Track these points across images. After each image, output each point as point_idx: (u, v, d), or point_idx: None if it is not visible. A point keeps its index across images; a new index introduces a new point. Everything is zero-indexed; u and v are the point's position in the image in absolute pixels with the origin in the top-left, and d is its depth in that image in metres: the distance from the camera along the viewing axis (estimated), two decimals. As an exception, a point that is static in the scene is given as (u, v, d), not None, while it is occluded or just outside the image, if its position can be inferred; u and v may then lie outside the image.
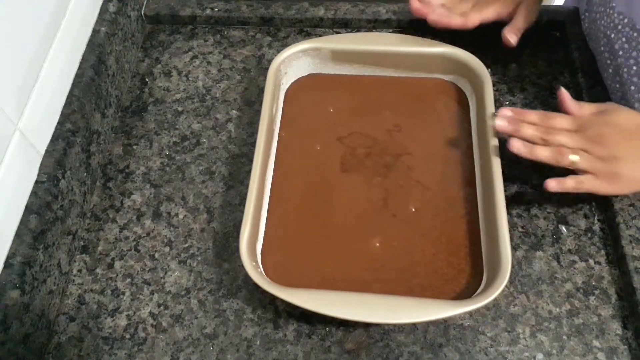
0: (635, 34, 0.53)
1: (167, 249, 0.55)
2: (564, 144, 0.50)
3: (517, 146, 0.50)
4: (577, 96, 0.62)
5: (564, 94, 0.53)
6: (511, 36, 0.60)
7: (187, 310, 0.51)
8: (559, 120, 0.52)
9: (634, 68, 0.55)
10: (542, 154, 0.50)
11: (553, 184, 0.51)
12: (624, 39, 0.55)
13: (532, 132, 0.50)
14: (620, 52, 0.56)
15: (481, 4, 0.62)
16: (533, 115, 0.52)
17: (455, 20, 0.60)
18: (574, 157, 0.49)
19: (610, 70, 0.58)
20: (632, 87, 0.56)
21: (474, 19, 0.61)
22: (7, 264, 0.46)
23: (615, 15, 0.56)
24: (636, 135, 0.49)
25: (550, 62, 0.66)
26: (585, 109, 0.53)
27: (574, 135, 0.50)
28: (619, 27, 0.55)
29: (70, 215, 0.53)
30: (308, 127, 0.59)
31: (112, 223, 0.57)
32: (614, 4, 0.56)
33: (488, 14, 0.61)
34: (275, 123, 0.59)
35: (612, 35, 0.57)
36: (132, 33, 0.68)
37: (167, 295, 0.52)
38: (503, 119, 0.51)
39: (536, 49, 0.67)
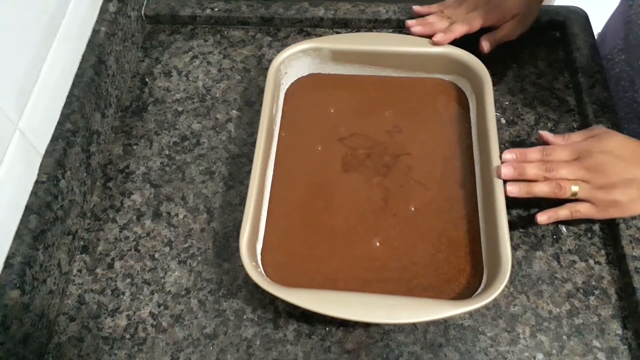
0: None
1: (167, 249, 0.55)
2: (565, 177, 0.50)
3: (513, 191, 0.50)
4: (577, 96, 0.62)
5: (544, 134, 0.54)
6: (486, 44, 0.62)
7: (187, 310, 0.51)
8: (559, 153, 0.51)
9: None
10: (542, 190, 0.50)
11: (544, 218, 0.51)
12: None
13: (535, 171, 0.50)
14: None
15: (482, 10, 0.62)
16: (534, 153, 0.52)
17: (460, 30, 0.61)
18: (574, 189, 0.50)
19: None
20: None
21: (477, 24, 0.62)
22: (7, 264, 0.46)
23: None
24: (633, 161, 0.49)
25: (550, 62, 0.66)
26: (572, 138, 0.53)
27: (573, 166, 0.50)
28: None
29: (70, 215, 0.53)
30: (308, 127, 0.59)
31: (112, 223, 0.57)
32: None
33: (490, 19, 0.62)
34: (275, 123, 0.59)
35: None
36: (132, 33, 0.68)
37: (167, 295, 0.52)
38: (508, 167, 0.51)
39: (536, 49, 0.67)
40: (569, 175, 0.50)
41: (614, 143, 0.50)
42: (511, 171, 0.51)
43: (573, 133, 0.53)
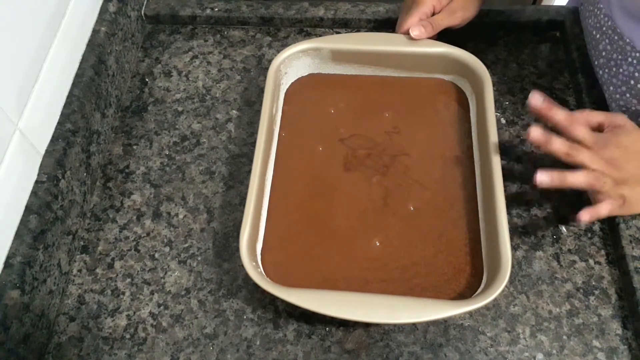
0: (616, 37, 0.54)
1: (167, 249, 0.55)
2: (585, 162, 0.48)
3: (544, 181, 0.47)
4: (577, 96, 0.62)
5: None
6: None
7: (187, 310, 0.51)
8: (580, 129, 0.48)
9: (614, 69, 0.55)
10: (579, 180, 0.47)
11: (587, 218, 0.48)
12: (607, 40, 0.55)
13: (560, 147, 0.48)
14: (604, 53, 0.56)
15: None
16: (559, 114, 0.49)
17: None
18: (606, 182, 0.48)
19: (597, 69, 0.59)
20: (611, 87, 0.56)
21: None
22: (7, 264, 0.46)
23: (602, 16, 0.56)
24: None
25: (550, 62, 0.66)
26: (592, 116, 0.50)
27: (593, 155, 0.48)
28: (604, 28, 0.56)
29: (70, 215, 0.53)
30: (308, 127, 0.59)
31: (112, 223, 0.57)
32: (600, 5, 0.56)
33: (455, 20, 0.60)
34: (275, 123, 0.59)
35: (598, 36, 0.57)
36: (132, 33, 0.68)
37: (167, 295, 0.52)
38: (538, 131, 0.48)
39: (536, 49, 0.67)
40: (589, 162, 0.48)
41: (630, 139, 0.49)
42: (539, 136, 0.48)
43: (594, 111, 0.51)
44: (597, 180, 0.47)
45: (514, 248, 0.53)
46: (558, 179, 0.47)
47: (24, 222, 0.48)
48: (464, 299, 0.46)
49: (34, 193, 0.49)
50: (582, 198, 0.55)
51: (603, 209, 0.49)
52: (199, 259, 0.54)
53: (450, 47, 0.60)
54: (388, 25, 0.69)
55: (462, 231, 0.52)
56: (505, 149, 0.59)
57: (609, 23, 0.55)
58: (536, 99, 0.49)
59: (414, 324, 0.50)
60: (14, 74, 0.48)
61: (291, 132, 0.59)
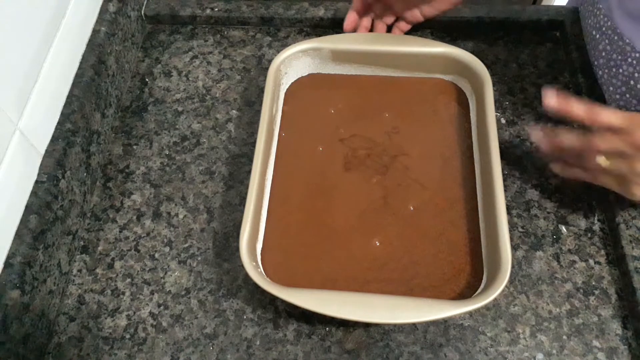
0: (615, 37, 0.54)
1: (167, 249, 0.55)
2: (611, 122, 0.44)
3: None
4: (577, 96, 0.62)
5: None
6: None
7: (187, 310, 0.51)
8: (606, 114, 0.45)
9: (614, 70, 0.55)
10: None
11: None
12: (607, 41, 0.55)
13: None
14: (603, 53, 0.56)
15: None
16: (579, 110, 0.46)
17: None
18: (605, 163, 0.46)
19: (596, 69, 0.59)
20: (611, 88, 0.56)
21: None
22: (7, 264, 0.46)
23: (601, 16, 0.56)
24: None
25: (550, 62, 0.66)
26: (605, 115, 0.46)
27: (614, 139, 0.45)
28: (603, 28, 0.56)
29: (70, 215, 0.53)
30: (308, 128, 0.59)
31: (112, 223, 0.57)
32: (600, 5, 0.56)
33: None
34: (275, 123, 0.59)
35: (598, 36, 0.57)
36: (132, 33, 0.68)
37: (167, 295, 0.52)
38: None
39: (536, 49, 0.67)
40: (617, 120, 0.44)
41: None
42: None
43: (605, 109, 0.47)
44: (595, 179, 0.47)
45: (514, 248, 0.53)
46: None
47: (24, 222, 0.48)
48: (464, 299, 0.46)
49: (34, 193, 0.49)
50: (581, 199, 0.55)
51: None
52: (199, 259, 0.54)
53: (450, 47, 0.60)
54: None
55: (462, 231, 0.52)
56: (505, 149, 0.59)
57: (609, 23, 0.55)
58: (549, 98, 0.46)
59: (414, 324, 0.50)
60: (14, 74, 0.48)
61: (291, 132, 0.59)
